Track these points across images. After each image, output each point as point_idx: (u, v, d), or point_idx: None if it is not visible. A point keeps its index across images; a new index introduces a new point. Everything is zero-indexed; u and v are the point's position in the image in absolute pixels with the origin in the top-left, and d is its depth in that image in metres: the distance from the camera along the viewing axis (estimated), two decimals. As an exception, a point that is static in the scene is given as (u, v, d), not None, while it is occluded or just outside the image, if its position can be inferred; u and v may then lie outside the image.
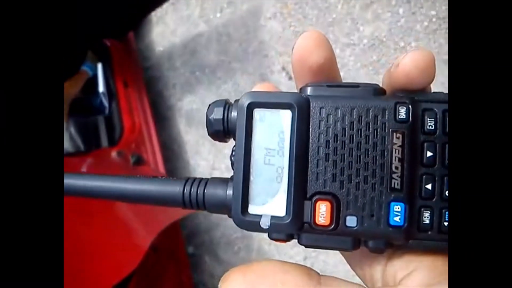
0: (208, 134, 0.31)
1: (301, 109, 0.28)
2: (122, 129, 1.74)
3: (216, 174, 1.83)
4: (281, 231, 0.28)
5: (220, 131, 0.30)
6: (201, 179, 0.31)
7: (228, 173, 0.30)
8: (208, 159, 1.88)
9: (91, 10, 1.43)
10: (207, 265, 1.87)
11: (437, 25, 1.47)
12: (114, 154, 1.57)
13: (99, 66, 1.81)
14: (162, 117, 2.00)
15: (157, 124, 1.86)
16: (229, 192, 0.29)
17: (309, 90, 0.29)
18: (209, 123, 0.30)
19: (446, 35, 1.45)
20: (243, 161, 0.28)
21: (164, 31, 2.08)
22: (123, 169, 1.57)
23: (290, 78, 1.70)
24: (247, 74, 1.81)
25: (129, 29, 1.95)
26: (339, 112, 0.27)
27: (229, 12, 1.88)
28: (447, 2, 1.44)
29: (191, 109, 1.96)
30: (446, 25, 1.45)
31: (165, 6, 1.98)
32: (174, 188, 0.31)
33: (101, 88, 1.78)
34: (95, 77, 1.80)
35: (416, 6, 1.50)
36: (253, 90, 0.31)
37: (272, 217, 0.28)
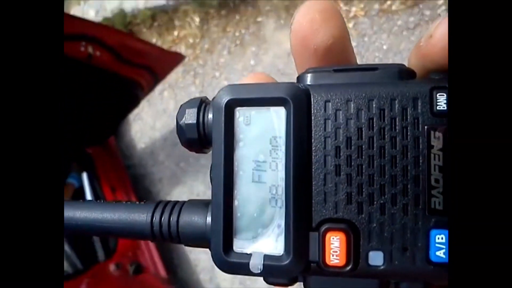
0: (181, 144, 0.23)
1: (298, 105, 0.20)
2: (116, 239, 1.71)
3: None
4: (279, 274, 0.21)
5: (195, 139, 0.23)
6: (175, 203, 0.24)
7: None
8: (207, 251, 1.83)
9: (71, 122, 1.44)
10: None
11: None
12: (112, 267, 1.53)
13: (84, 176, 1.80)
14: (154, 214, 1.98)
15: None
16: (210, 219, 0.22)
17: (309, 78, 0.21)
18: (180, 130, 0.23)
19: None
20: (224, 179, 0.21)
21: (143, 127, 2.10)
22: (123, 282, 1.52)
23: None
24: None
25: (110, 134, 1.96)
26: (352, 105, 0.20)
27: (203, 101, 1.91)
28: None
29: (181, 201, 1.94)
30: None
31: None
32: (140, 217, 0.23)
33: (88, 197, 1.77)
34: (81, 187, 1.79)
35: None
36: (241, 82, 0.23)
37: (266, 257, 0.21)
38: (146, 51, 1.43)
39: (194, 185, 1.91)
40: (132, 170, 2.07)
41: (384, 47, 1.50)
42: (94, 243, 1.68)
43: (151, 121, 2.08)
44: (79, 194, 1.77)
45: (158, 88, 1.81)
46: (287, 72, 1.67)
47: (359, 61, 0.25)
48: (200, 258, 1.85)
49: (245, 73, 1.78)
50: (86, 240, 1.69)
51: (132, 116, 2.12)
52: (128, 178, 1.94)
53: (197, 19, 1.94)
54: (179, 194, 1.95)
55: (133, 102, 1.75)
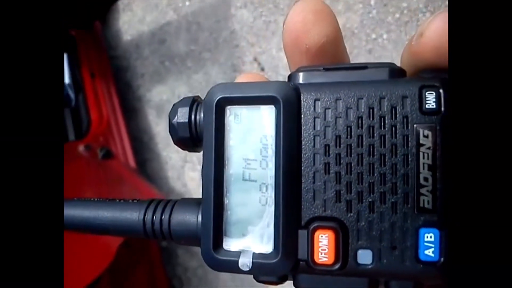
0: (174, 143, 0.24)
1: (288, 104, 0.20)
2: (89, 122, 1.69)
3: (189, 167, 1.80)
4: (269, 272, 0.21)
5: (187, 138, 0.23)
6: (167, 202, 0.24)
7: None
8: (180, 151, 1.84)
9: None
10: (180, 259, 1.85)
11: (409, 17, 1.48)
12: (81, 148, 1.52)
13: (64, 57, 1.74)
14: (131, 109, 1.95)
15: (126, 116, 1.81)
16: (201, 218, 0.23)
17: (300, 77, 0.22)
18: (173, 129, 0.23)
19: (417, 28, 1.46)
20: (214, 178, 0.21)
21: (132, 19, 2.02)
22: (91, 164, 1.52)
23: (262, 69, 1.68)
24: (218, 64, 1.78)
25: (96, 18, 1.88)
26: (341, 104, 0.20)
27: (198, 1, 1.84)
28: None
29: (160, 100, 1.92)
30: (417, 17, 1.46)
31: (132, -7, 1.93)
32: (133, 215, 0.24)
33: (66, 79, 1.72)
34: (59, 67, 1.74)
35: (386, -3, 1.50)
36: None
37: (255, 255, 0.21)
38: None
39: (176, 85, 1.88)
40: (114, 61, 2.01)
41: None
42: (65, 123, 1.66)
43: (141, 14, 1.99)
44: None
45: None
46: None
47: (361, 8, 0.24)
48: (171, 157, 1.86)
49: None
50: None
51: (122, 5, 2.03)
52: (110, 67, 1.89)
53: None
54: (159, 93, 1.92)
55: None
